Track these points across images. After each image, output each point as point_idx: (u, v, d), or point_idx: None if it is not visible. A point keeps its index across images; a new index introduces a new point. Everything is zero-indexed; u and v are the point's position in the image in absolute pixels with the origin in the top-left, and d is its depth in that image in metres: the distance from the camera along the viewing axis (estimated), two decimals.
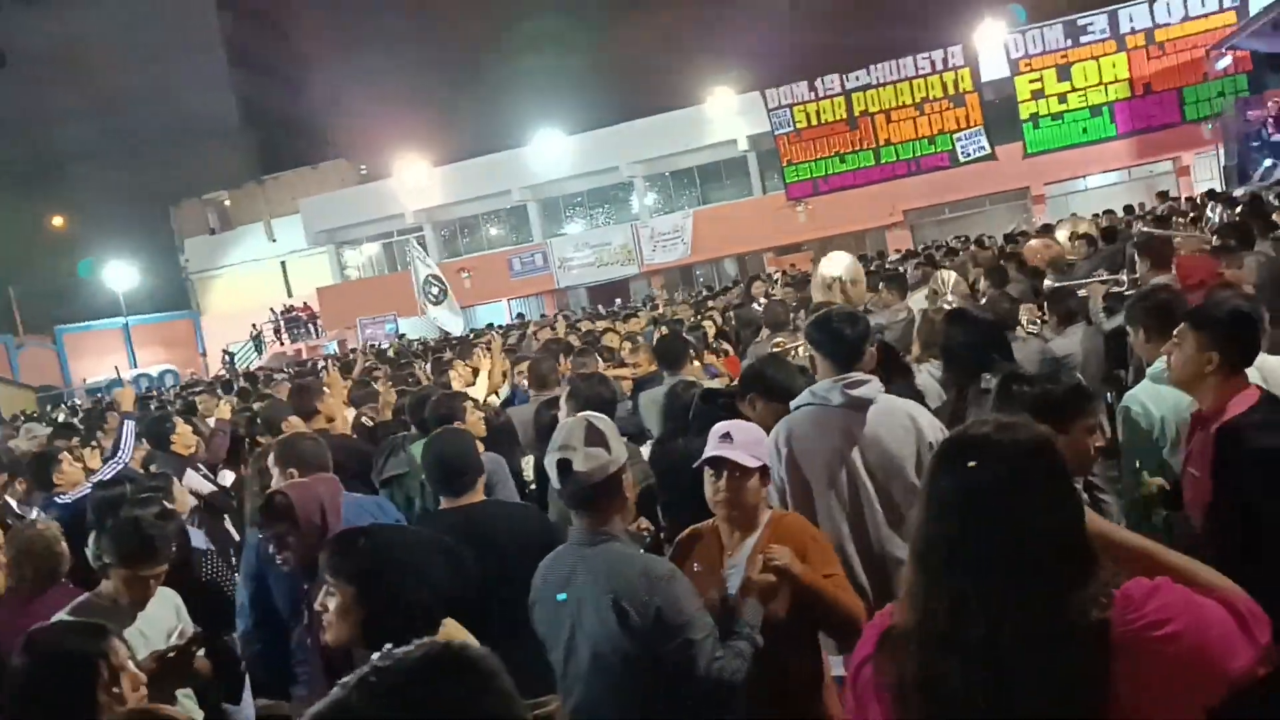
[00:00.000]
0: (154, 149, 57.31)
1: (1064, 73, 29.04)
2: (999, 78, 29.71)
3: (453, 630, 2.80)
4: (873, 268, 15.05)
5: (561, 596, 3.02)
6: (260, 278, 43.93)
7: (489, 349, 9.38)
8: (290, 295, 42.85)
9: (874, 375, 3.77)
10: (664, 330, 9.74)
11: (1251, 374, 3.28)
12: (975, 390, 4.30)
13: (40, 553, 4.21)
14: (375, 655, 1.43)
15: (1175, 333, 3.29)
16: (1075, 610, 1.63)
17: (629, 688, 2.95)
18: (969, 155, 30.16)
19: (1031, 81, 29.28)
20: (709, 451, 3.27)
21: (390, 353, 20.61)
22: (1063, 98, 29.13)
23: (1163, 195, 21.73)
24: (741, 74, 38.56)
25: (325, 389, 7.07)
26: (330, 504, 4.49)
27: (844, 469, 3.64)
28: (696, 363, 7.06)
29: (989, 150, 29.92)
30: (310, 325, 40.52)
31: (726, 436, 3.26)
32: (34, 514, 6.02)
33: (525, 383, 7.62)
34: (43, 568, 4.17)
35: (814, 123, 31.65)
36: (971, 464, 1.72)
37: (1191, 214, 14.89)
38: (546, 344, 9.03)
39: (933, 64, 30.26)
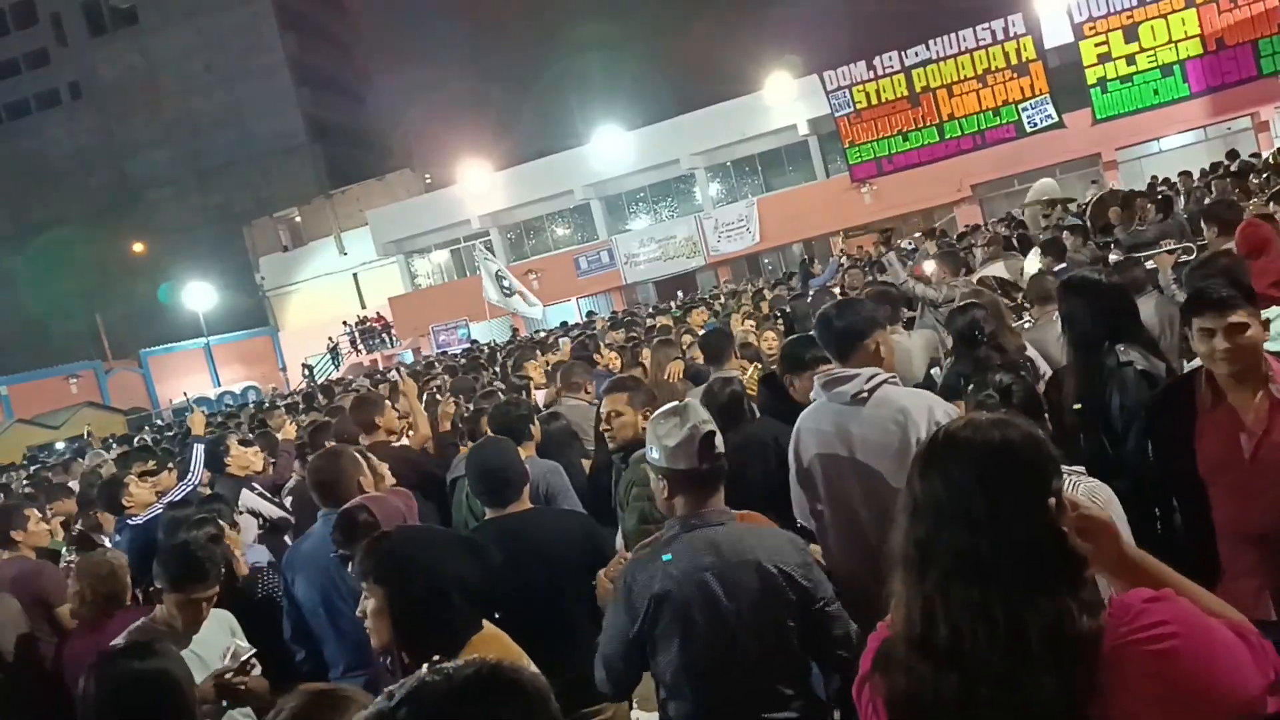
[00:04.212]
0: (225, 171, 58.83)
1: (1131, 33, 28.08)
2: (1063, 43, 28.91)
3: (491, 635, 2.81)
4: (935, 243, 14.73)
5: (727, 603, 2.89)
6: (334, 291, 44.74)
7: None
8: (363, 306, 43.59)
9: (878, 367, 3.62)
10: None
11: None
12: (1113, 366, 3.89)
13: (103, 578, 4.28)
14: (424, 667, 1.40)
15: (1238, 317, 3.07)
16: (1043, 615, 1.52)
17: (787, 659, 2.96)
18: (1036, 125, 29.36)
19: (1097, 45, 28.38)
20: None
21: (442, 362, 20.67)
22: (1131, 59, 28.17)
23: (1232, 154, 20.92)
24: (798, 58, 38.22)
25: (386, 401, 7.12)
26: (411, 516, 4.50)
27: (833, 462, 3.62)
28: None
29: (1056, 119, 29.10)
30: (384, 335, 41.15)
31: None
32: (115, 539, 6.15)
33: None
34: (102, 593, 4.24)
35: (874, 102, 31.11)
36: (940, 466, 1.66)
37: (1265, 173, 14.29)
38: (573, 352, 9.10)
39: (993, 34, 29.53)
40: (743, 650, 2.91)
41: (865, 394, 3.55)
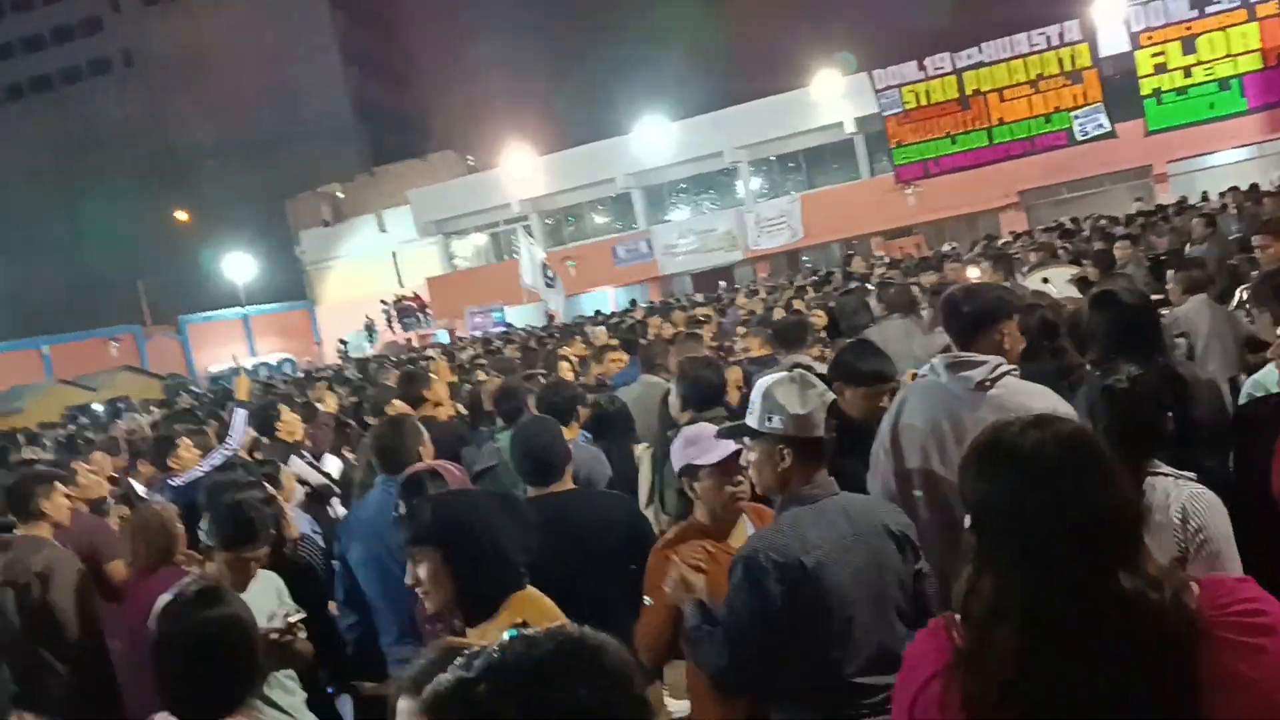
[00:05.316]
0: (271, 145, 59.27)
1: (1189, 45, 27.75)
2: (1119, 52, 28.56)
3: (531, 594, 2.85)
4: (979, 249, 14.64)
5: (868, 570, 2.85)
6: (372, 268, 44.93)
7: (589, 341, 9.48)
8: (401, 285, 43.76)
9: (1003, 358, 3.50)
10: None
11: None
12: (1096, 379, 3.61)
13: (155, 531, 4.30)
14: (505, 635, 1.33)
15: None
16: (1122, 593, 1.51)
17: (900, 621, 2.91)
18: (1087, 134, 29.11)
19: (1154, 55, 28.06)
20: (718, 453, 3.20)
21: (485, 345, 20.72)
22: (1188, 71, 27.84)
23: None
24: (847, 54, 37.94)
25: (433, 375, 7.20)
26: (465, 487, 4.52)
27: (939, 448, 3.45)
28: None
29: (1109, 128, 28.80)
30: (420, 315, 41.31)
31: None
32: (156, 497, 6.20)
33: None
34: (155, 546, 4.26)
35: (924, 103, 30.95)
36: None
37: None
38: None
39: (1048, 40, 29.28)
40: (878, 615, 2.85)
41: (989, 383, 3.44)
